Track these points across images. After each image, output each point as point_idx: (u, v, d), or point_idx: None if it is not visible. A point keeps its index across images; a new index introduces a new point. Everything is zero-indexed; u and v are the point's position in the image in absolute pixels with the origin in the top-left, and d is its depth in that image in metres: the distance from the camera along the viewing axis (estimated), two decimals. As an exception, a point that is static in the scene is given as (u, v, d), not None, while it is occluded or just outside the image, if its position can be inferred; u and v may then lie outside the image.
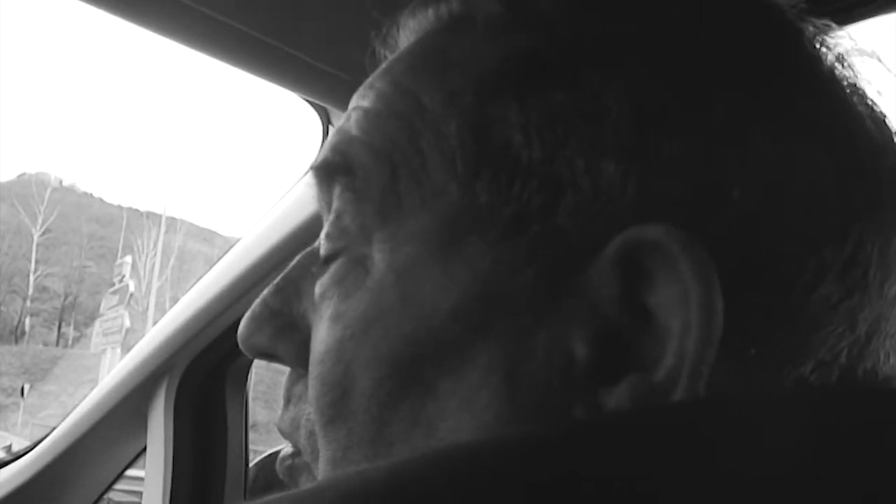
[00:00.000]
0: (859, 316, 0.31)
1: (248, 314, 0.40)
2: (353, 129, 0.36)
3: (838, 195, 0.31)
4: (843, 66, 0.34)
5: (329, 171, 0.36)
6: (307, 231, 1.07)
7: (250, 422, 1.43)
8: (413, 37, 0.37)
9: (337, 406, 0.33)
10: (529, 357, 0.30)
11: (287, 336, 0.38)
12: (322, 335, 0.35)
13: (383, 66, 0.38)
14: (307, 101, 0.98)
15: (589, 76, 0.31)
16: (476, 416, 0.30)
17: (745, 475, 0.26)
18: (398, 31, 0.38)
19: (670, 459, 0.26)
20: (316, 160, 0.37)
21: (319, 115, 1.04)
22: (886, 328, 0.32)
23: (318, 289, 0.36)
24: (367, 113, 0.36)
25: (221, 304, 1.21)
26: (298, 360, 0.38)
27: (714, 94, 0.31)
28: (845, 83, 0.33)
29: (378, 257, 0.34)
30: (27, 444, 1.56)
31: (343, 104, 0.97)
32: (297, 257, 0.40)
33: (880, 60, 0.35)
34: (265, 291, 0.40)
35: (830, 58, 0.34)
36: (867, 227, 0.31)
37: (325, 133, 1.06)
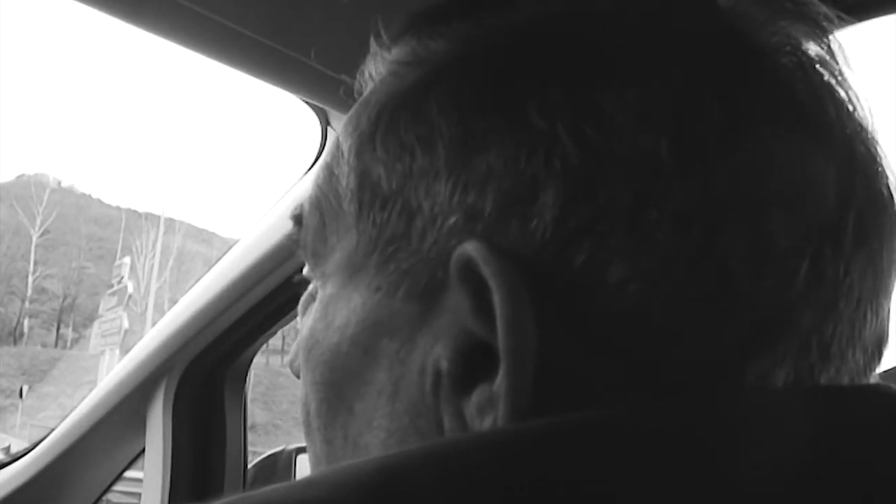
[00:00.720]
0: (732, 311, 0.29)
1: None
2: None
3: (682, 187, 0.29)
4: (774, 31, 0.33)
5: (294, 225, 0.41)
6: (306, 232, 1.06)
7: (249, 423, 1.43)
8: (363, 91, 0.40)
9: (306, 425, 0.38)
10: (407, 375, 0.32)
11: None
12: None
13: None
14: (306, 102, 0.98)
15: (429, 107, 0.33)
16: (375, 434, 0.33)
17: (737, 477, 0.26)
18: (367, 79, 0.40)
19: (654, 461, 0.26)
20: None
21: (318, 116, 1.04)
22: (782, 320, 0.30)
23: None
24: (315, 169, 0.39)
25: (220, 305, 1.21)
26: None
27: (528, 103, 0.31)
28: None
29: (318, 293, 0.38)
30: (26, 445, 1.56)
31: (342, 106, 0.98)
32: None
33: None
34: None
35: (756, 25, 0.33)
36: (724, 215, 0.29)
37: (324, 134, 1.06)
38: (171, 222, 39.00)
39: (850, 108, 0.33)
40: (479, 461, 0.26)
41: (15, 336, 37.61)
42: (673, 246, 0.29)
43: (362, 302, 0.34)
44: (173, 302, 1.38)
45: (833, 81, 0.33)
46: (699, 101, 0.30)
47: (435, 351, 0.31)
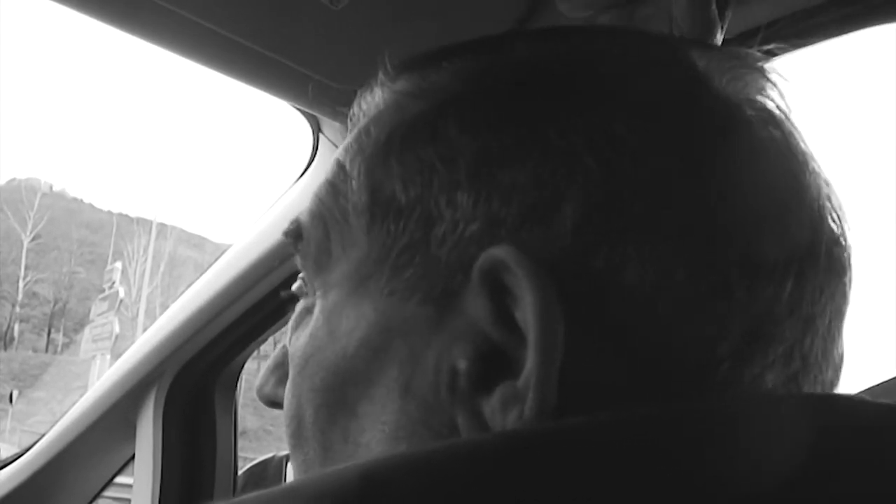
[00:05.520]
0: (730, 319, 0.32)
1: (264, 367, 0.46)
2: (308, 202, 0.42)
3: (686, 202, 0.33)
4: (740, 85, 0.36)
5: (290, 239, 0.42)
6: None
7: (240, 429, 1.43)
8: (361, 120, 0.42)
9: (296, 436, 0.39)
10: (421, 375, 0.34)
11: (286, 384, 0.42)
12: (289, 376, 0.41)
13: None
14: (298, 109, 0.98)
15: (448, 128, 0.36)
16: (380, 431, 0.35)
17: (721, 485, 0.27)
18: (360, 110, 0.43)
19: (634, 468, 0.27)
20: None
21: (310, 122, 1.04)
22: (770, 331, 0.33)
23: (286, 337, 0.43)
24: (316, 187, 0.41)
25: (212, 310, 1.21)
26: None
27: (547, 126, 0.34)
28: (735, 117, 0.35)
29: (316, 303, 0.39)
30: (16, 450, 1.56)
31: (333, 112, 0.98)
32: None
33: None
34: (278, 347, 0.46)
35: (724, 80, 0.36)
36: (723, 230, 0.33)
37: (316, 140, 1.06)
38: (162, 227, 38.98)
39: (814, 160, 0.36)
40: (459, 470, 0.27)
41: (5, 341, 37.43)
42: (679, 255, 0.32)
43: (374, 307, 0.36)
44: (165, 307, 1.38)
45: (796, 133, 0.37)
46: (697, 135, 0.34)
47: (451, 352, 0.33)
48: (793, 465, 0.27)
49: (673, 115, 0.35)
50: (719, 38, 0.52)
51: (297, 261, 0.42)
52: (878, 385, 0.76)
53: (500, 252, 0.32)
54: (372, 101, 0.42)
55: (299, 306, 0.42)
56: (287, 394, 0.40)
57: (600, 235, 0.32)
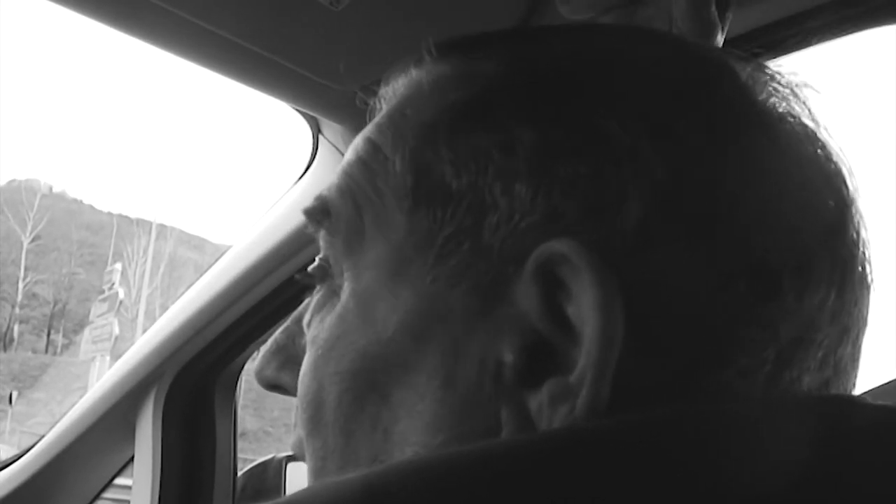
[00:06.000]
0: (780, 324, 0.32)
1: (262, 349, 0.45)
2: (333, 179, 0.41)
3: (742, 207, 0.33)
4: (778, 99, 0.37)
5: (312, 216, 0.41)
6: (298, 240, 1.07)
7: (239, 430, 1.43)
8: (393, 101, 0.42)
9: (314, 420, 0.38)
10: (464, 366, 0.33)
11: (289, 368, 0.42)
12: (305, 359, 0.40)
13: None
14: (298, 111, 0.98)
15: (502, 116, 0.35)
16: (417, 420, 0.34)
17: (732, 487, 0.27)
18: (390, 91, 0.42)
19: (646, 472, 0.27)
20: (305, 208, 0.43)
21: (310, 124, 1.04)
22: (812, 337, 0.33)
23: (304, 319, 0.42)
24: (343, 165, 0.41)
25: (211, 312, 1.21)
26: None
27: (609, 121, 0.34)
28: (775, 115, 0.36)
29: (345, 285, 0.38)
30: (15, 451, 1.55)
31: (333, 114, 0.98)
32: (307, 299, 0.44)
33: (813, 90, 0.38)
34: (278, 330, 0.45)
35: (764, 93, 0.36)
36: (777, 238, 0.33)
37: (316, 142, 1.06)
38: (162, 228, 38.97)
39: (847, 176, 0.37)
40: (464, 479, 0.27)
41: (5, 342, 37.39)
42: (735, 258, 0.32)
43: (415, 292, 0.35)
44: (164, 308, 1.38)
45: (836, 148, 0.37)
46: (747, 142, 0.35)
47: (497, 344, 0.33)
48: (799, 466, 0.27)
49: (723, 121, 0.35)
50: (720, 40, 0.52)
51: (322, 240, 0.41)
52: (878, 387, 0.76)
53: (560, 245, 0.31)
54: (406, 82, 0.41)
55: (323, 290, 0.41)
56: (304, 377, 0.39)
57: (661, 235, 0.32)
